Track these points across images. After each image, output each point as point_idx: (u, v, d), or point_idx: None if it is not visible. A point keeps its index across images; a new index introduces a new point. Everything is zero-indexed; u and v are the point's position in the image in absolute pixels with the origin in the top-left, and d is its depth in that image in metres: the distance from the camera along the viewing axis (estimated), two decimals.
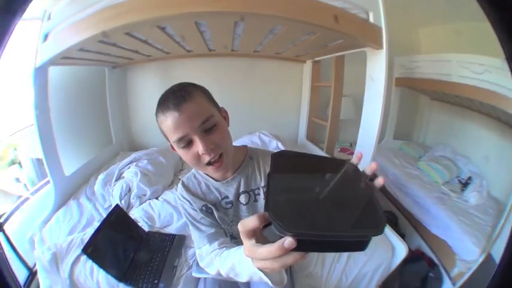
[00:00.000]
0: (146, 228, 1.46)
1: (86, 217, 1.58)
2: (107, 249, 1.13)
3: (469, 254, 1.60)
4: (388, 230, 1.43)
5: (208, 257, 0.75)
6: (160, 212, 1.61)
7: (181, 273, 1.14)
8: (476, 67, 1.73)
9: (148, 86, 2.55)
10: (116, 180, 1.79)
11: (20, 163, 2.58)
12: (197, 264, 1.03)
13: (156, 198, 1.74)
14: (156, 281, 1.09)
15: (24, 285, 1.55)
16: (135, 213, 1.58)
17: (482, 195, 1.88)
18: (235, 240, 0.80)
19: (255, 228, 0.38)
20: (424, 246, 1.89)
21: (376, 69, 1.53)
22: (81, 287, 1.19)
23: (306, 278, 1.17)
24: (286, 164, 0.44)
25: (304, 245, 0.33)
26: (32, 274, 1.61)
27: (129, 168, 1.88)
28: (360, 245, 0.34)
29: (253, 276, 0.54)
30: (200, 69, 2.53)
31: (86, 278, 1.18)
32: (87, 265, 1.20)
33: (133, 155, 2.05)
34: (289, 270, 1.06)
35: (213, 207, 0.79)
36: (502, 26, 0.42)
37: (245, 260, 0.53)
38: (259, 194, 0.79)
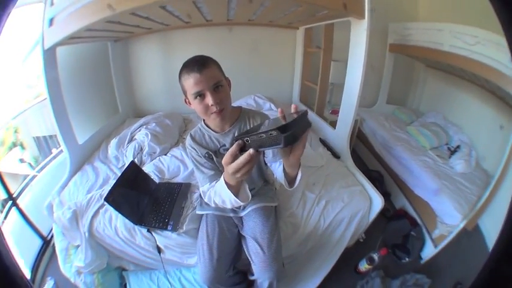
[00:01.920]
0: (157, 180, 1.84)
1: (102, 177, 1.93)
2: (125, 197, 1.47)
3: (450, 218, 1.82)
4: (367, 183, 1.77)
5: (207, 192, 1.12)
6: (169, 165, 2.01)
7: (187, 212, 1.50)
8: (468, 38, 1.92)
9: (150, 56, 2.99)
10: (128, 143, 2.17)
11: (21, 144, 2.89)
12: (200, 204, 1.42)
13: (165, 155, 2.15)
14: (166, 220, 1.45)
15: (38, 254, 1.94)
16: (147, 168, 1.95)
17: (469, 164, 2.10)
18: None
19: (234, 154, 0.70)
20: (408, 206, 2.20)
21: (358, 38, 1.75)
22: (99, 236, 1.54)
23: (288, 218, 1.53)
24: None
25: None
26: (46, 243, 2.02)
27: (139, 131, 2.27)
28: (276, 140, 0.62)
29: (230, 199, 0.91)
30: (198, 39, 2.87)
31: (104, 227, 1.53)
32: (106, 215, 1.56)
33: (143, 120, 2.45)
34: (275, 209, 1.42)
35: (213, 154, 1.17)
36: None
37: (224, 184, 0.88)
38: None
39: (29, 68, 2.51)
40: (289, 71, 3.27)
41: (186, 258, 1.52)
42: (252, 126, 1.17)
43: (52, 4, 1.63)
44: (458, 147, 2.27)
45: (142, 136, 2.17)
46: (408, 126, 2.67)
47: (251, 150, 0.67)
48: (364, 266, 1.73)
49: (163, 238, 1.45)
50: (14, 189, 2.06)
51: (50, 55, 1.76)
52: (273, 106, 2.69)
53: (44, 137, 2.72)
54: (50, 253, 1.98)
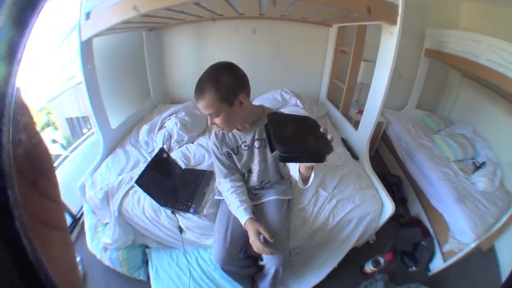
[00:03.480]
0: (183, 166, 2.16)
1: (133, 161, 2.26)
2: (153, 181, 1.80)
3: (462, 236, 1.91)
4: (381, 188, 1.97)
5: (221, 186, 1.52)
6: (195, 153, 2.35)
7: (208, 197, 1.82)
8: (507, 55, 1.99)
9: (182, 45, 3.36)
10: (159, 130, 2.53)
11: (54, 125, 3.15)
12: (218, 190, 1.72)
13: (192, 143, 2.50)
14: (189, 203, 1.77)
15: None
16: (174, 155, 2.28)
17: (492, 183, 2.17)
18: (250, 173, 1.55)
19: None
20: (422, 215, 2.35)
21: (388, 42, 1.88)
22: (127, 215, 1.87)
23: (299, 211, 1.81)
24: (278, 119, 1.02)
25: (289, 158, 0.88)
26: (75, 221, 2.33)
27: (169, 119, 2.63)
28: (319, 158, 0.85)
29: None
30: (230, 31, 3.17)
31: (133, 207, 1.86)
32: (135, 196, 1.89)
33: (173, 108, 2.81)
34: (288, 202, 1.69)
35: (232, 152, 1.47)
36: None
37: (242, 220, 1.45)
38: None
39: (63, 51, 2.76)
40: (319, 67, 3.50)
41: (204, 239, 1.84)
42: None
43: None
44: (483, 163, 2.35)
45: (172, 124, 2.51)
46: (435, 134, 2.80)
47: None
48: (369, 267, 1.94)
49: (185, 219, 1.77)
50: None
51: (86, 46, 2.01)
52: (298, 102, 2.93)
53: (77, 118, 3.04)
54: (78, 231, 2.31)
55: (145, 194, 1.76)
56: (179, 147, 2.44)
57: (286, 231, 1.58)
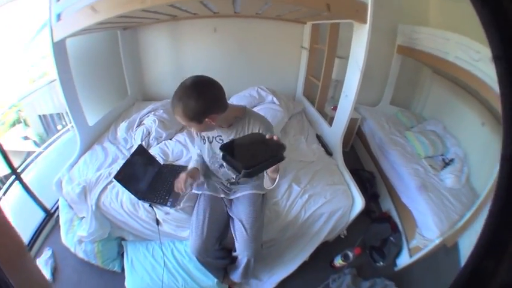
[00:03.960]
0: (162, 161, 2.24)
1: (111, 157, 2.36)
2: (132, 176, 1.89)
3: (428, 232, 1.99)
4: (352, 184, 2.08)
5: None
6: (173, 149, 2.46)
7: (185, 192, 1.86)
8: (473, 53, 2.06)
9: (158, 43, 3.42)
10: (137, 127, 2.63)
11: (24, 121, 3.35)
12: (197, 184, 1.83)
13: (170, 139, 2.61)
14: (167, 197, 1.85)
15: (38, 227, 2.32)
16: (153, 151, 2.36)
17: (459, 181, 2.27)
18: (223, 167, 1.69)
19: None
20: (393, 211, 2.46)
21: (359, 41, 1.93)
22: (105, 209, 1.96)
23: (273, 205, 1.94)
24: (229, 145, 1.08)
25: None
26: (49, 215, 2.43)
27: (148, 116, 2.73)
28: (278, 159, 1.05)
29: None
30: (205, 30, 3.27)
31: (111, 201, 1.95)
32: (113, 191, 1.98)
33: (151, 106, 2.91)
34: (262, 196, 1.82)
35: (207, 140, 1.62)
36: (492, 26, 0.51)
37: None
38: None
39: (33, 48, 2.91)
40: (295, 65, 3.64)
41: (180, 231, 1.96)
42: (249, 129, 1.52)
43: (58, 0, 1.89)
44: (452, 160, 2.47)
45: (150, 122, 2.62)
46: (407, 131, 2.95)
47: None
48: (338, 261, 2.06)
49: (162, 213, 1.89)
50: (16, 165, 2.37)
51: (59, 47, 2.04)
52: (275, 99, 3.05)
53: (51, 115, 3.11)
54: (52, 225, 2.41)
55: (124, 189, 1.85)
56: (158, 143, 2.55)
57: (259, 224, 1.71)
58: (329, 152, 2.50)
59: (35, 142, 3.33)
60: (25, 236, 2.24)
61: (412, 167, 2.46)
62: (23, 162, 2.65)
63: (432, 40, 2.63)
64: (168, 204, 1.85)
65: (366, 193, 1.98)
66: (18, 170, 2.35)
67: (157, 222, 1.90)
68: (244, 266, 1.72)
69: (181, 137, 2.63)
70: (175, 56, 3.43)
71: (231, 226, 1.74)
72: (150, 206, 1.87)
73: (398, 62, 3.27)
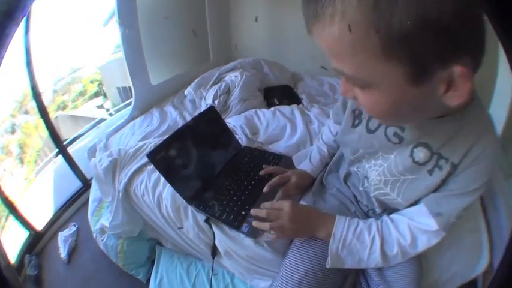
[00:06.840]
0: (243, 142, 1.40)
1: (168, 124, 1.70)
2: (182, 158, 1.07)
3: None
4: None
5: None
6: (268, 121, 1.56)
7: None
8: None
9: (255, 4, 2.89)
10: (214, 84, 1.87)
11: (104, 94, 3.80)
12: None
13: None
14: (243, 212, 0.97)
15: (72, 196, 2.06)
16: (231, 121, 1.57)
17: None
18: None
19: None
20: None
21: None
22: (136, 200, 1.25)
23: None
24: None
25: None
26: (86, 186, 2.10)
27: (232, 73, 1.98)
28: None
29: None
30: None
31: (145, 191, 1.20)
32: (152, 176, 1.22)
33: (238, 61, 2.19)
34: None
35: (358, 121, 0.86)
36: None
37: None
38: None
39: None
40: None
41: (252, 278, 1.09)
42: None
43: None
44: None
45: (234, 76, 1.82)
46: None
47: None
48: None
49: (228, 239, 0.99)
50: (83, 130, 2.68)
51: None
52: None
53: (130, 87, 2.87)
54: (86, 199, 1.87)
55: (164, 179, 1.08)
56: (242, 110, 1.71)
57: None
58: None
59: (107, 110, 3.67)
60: (56, 204, 2.02)
61: None
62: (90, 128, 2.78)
63: None
64: (244, 228, 0.94)
65: None
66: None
67: (214, 251, 1.05)
68: None
69: (287, 109, 1.70)
70: (274, 17, 2.85)
71: None
72: (206, 221, 1.01)
73: None
